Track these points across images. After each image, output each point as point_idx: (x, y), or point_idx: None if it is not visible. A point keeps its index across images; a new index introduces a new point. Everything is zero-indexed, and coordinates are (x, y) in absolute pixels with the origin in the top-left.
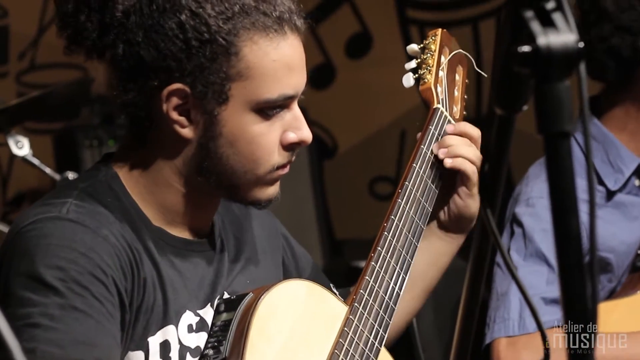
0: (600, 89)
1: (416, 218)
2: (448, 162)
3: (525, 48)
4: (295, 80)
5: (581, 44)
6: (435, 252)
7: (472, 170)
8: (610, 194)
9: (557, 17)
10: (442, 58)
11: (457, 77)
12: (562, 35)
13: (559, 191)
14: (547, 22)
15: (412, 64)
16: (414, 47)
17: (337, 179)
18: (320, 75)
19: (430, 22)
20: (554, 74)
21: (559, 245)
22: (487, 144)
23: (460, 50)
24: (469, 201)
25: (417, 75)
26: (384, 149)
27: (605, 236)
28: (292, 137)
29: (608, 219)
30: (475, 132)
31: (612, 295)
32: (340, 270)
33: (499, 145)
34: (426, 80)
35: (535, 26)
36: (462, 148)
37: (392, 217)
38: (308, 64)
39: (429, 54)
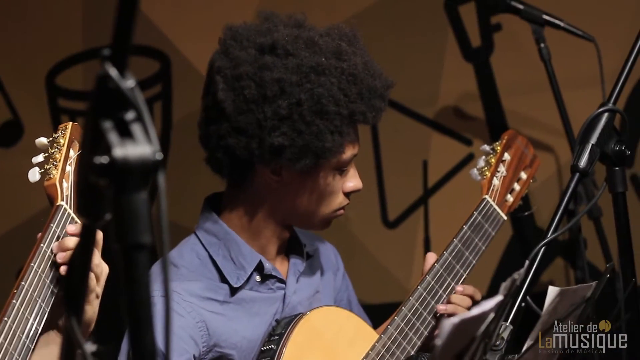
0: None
1: (31, 319)
2: (63, 269)
3: (102, 159)
4: None
5: (159, 155)
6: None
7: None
8: (233, 291)
9: (136, 128)
10: (71, 152)
11: None
12: (140, 147)
13: (135, 303)
14: (126, 133)
15: (39, 158)
16: (42, 140)
17: None
18: None
19: (83, 111)
20: (130, 186)
21: (135, 356)
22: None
23: None
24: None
25: (43, 170)
26: (35, 239)
27: (228, 333)
28: None
29: (231, 315)
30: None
31: None
32: None
33: (84, 253)
34: (51, 176)
35: (113, 137)
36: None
37: (5, 319)
38: None
39: (57, 148)
